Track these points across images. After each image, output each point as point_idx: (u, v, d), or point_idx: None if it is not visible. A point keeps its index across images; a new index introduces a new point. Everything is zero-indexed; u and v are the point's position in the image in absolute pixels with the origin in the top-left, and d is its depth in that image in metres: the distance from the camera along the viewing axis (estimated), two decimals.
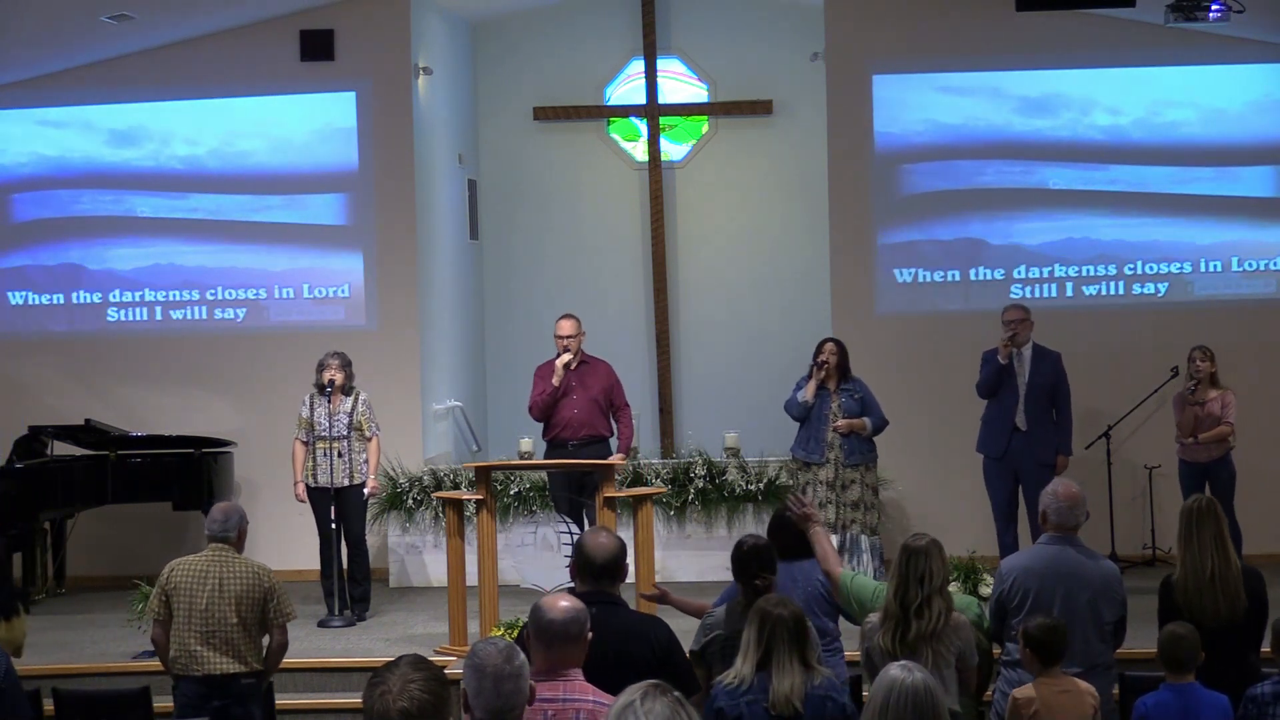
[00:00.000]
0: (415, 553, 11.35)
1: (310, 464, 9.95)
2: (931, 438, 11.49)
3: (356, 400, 9.99)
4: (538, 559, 8.87)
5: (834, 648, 6.39)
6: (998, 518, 10.11)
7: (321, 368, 9.99)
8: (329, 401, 9.93)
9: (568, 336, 9.93)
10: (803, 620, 5.20)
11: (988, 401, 10.15)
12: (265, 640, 7.04)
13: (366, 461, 10.02)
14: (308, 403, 9.99)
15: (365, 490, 10.09)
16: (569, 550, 8.62)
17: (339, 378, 9.91)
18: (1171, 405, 10.42)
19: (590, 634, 4.52)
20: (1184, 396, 10.18)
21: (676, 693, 3.31)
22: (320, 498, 9.95)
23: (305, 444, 9.97)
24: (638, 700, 3.25)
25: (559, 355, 9.94)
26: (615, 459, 9.67)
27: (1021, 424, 9.96)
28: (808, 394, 9.77)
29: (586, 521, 9.20)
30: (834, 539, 8.08)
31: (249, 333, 12.03)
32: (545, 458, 10.14)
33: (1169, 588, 6.52)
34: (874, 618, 5.75)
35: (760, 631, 5.14)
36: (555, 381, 9.87)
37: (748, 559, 5.97)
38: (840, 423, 9.76)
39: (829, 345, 9.93)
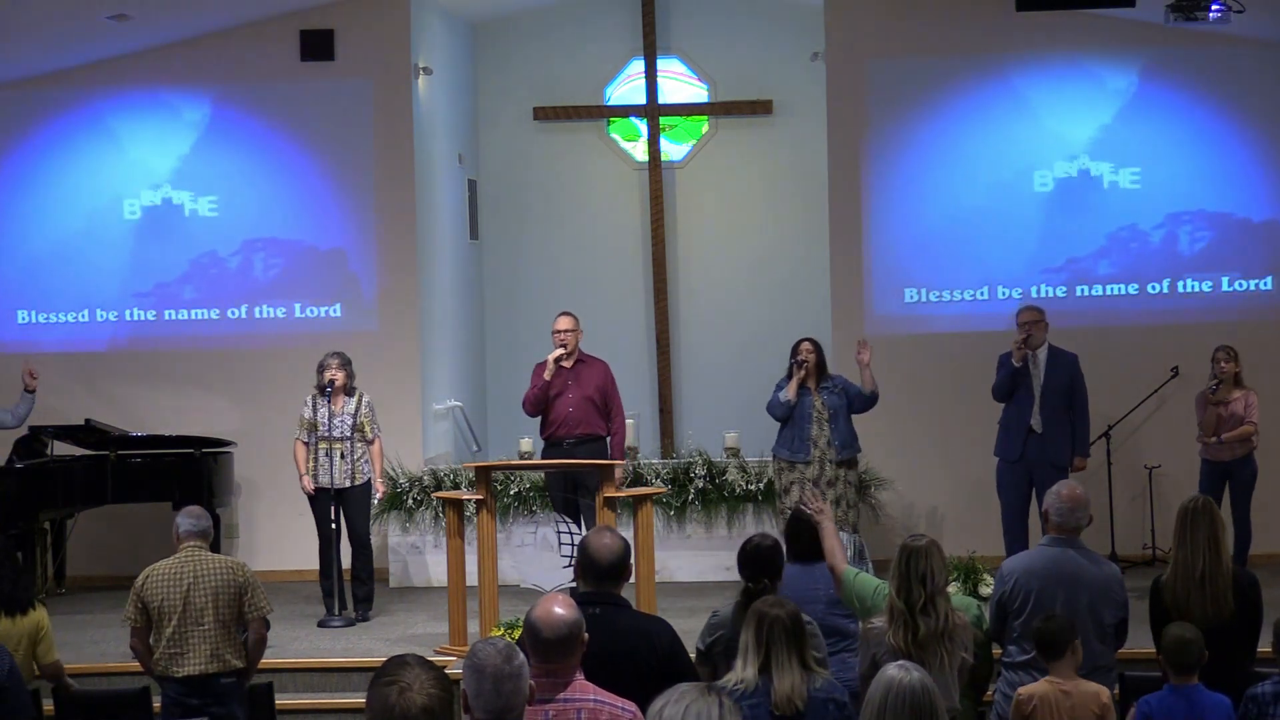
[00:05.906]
0: (416, 553, 11.35)
1: (312, 464, 9.96)
2: (931, 438, 11.49)
3: (360, 402, 9.99)
4: (538, 559, 8.86)
5: (855, 648, 6.36)
6: (1007, 524, 9.93)
7: (322, 369, 9.99)
8: (330, 402, 9.93)
9: (563, 332, 10.00)
10: (800, 620, 5.18)
11: (1004, 405, 10.03)
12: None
13: (369, 463, 10.03)
14: (309, 403, 9.99)
15: (375, 492, 10.13)
16: (569, 550, 8.64)
17: (339, 377, 9.91)
18: (1194, 405, 10.29)
19: (586, 634, 4.50)
20: (1206, 396, 10.11)
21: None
22: (321, 498, 9.95)
23: (306, 444, 9.97)
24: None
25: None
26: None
27: (1037, 426, 9.83)
28: (789, 394, 9.80)
29: (583, 520, 9.21)
30: None
31: (249, 333, 12.02)
32: (542, 457, 10.17)
33: (1158, 588, 6.53)
34: (877, 621, 5.72)
35: (758, 633, 5.12)
36: (546, 376, 9.92)
37: (749, 559, 5.97)
38: (864, 354, 9.83)
39: (805, 345, 9.95)
